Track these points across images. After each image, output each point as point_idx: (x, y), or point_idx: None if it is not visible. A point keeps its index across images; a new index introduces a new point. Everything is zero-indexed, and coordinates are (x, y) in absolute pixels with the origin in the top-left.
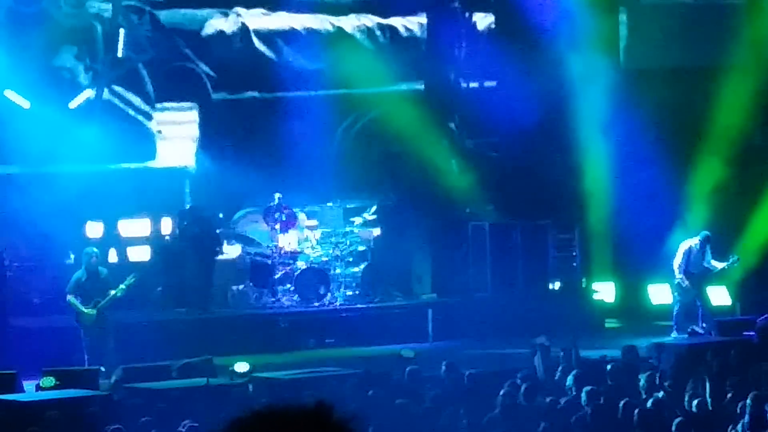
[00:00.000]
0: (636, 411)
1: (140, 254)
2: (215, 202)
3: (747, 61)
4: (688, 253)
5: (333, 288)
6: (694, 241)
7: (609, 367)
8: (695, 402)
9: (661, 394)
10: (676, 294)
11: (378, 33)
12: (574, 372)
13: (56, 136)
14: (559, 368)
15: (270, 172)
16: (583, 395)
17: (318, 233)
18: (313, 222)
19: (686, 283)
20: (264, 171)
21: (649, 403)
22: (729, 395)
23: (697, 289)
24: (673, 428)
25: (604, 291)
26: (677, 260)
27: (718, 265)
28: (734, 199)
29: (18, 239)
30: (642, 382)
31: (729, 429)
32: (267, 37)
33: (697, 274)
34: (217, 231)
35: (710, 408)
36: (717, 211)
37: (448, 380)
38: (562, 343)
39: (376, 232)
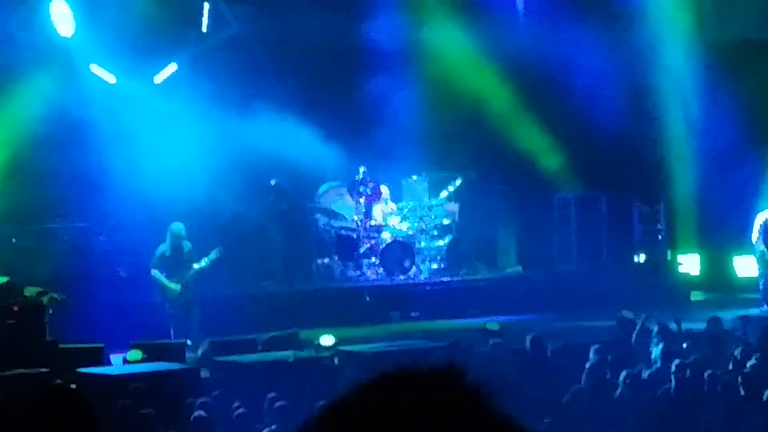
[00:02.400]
0: (721, 383)
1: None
2: (299, 177)
3: None
4: (765, 224)
5: (418, 261)
6: None
7: (690, 340)
8: None
9: (749, 366)
10: (760, 266)
11: None
12: (661, 345)
13: (142, 111)
14: (654, 341)
15: (354, 146)
16: (672, 367)
17: (403, 206)
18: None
19: None
20: (348, 145)
21: (737, 377)
22: None
23: None
24: (765, 398)
25: (690, 263)
26: (755, 233)
27: None
28: None
29: (105, 213)
30: (731, 354)
31: None
32: None
33: None
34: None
35: None
36: None
37: (532, 353)
38: (648, 316)
39: (461, 205)
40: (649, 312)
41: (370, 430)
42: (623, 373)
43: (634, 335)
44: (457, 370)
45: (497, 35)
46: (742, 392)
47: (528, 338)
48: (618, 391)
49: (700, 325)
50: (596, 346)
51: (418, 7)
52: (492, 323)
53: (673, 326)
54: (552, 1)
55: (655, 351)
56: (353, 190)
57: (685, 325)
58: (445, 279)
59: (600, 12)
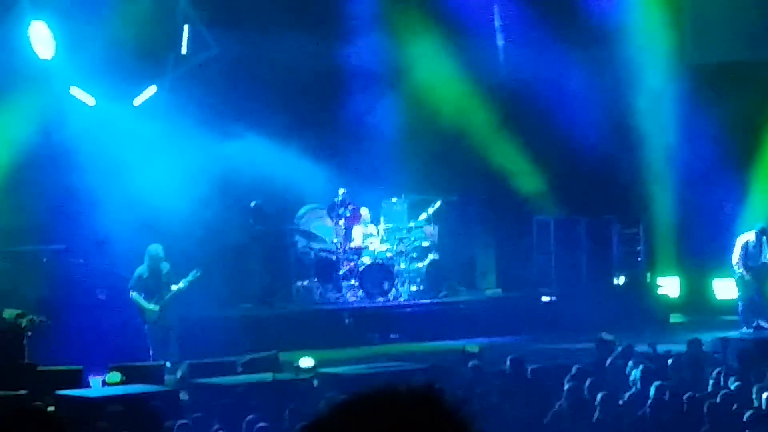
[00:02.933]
0: (706, 404)
1: None
2: (279, 198)
3: None
4: (746, 247)
5: (397, 283)
6: (750, 235)
7: (670, 361)
8: (764, 396)
9: (731, 388)
10: (739, 289)
11: None
12: (640, 366)
13: (122, 133)
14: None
15: (334, 168)
16: (651, 390)
17: (382, 229)
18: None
19: (747, 277)
20: (328, 166)
21: (717, 398)
22: None
23: (759, 283)
24: (745, 420)
25: (669, 286)
26: (735, 255)
27: None
28: None
29: (83, 236)
30: (711, 377)
31: None
32: None
33: (757, 268)
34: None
35: None
36: None
37: (512, 375)
38: (627, 339)
39: (440, 227)
40: (628, 334)
41: None
42: (599, 396)
43: (609, 359)
44: (436, 391)
45: (477, 57)
46: (722, 414)
47: (508, 360)
48: (596, 414)
49: (679, 347)
50: (575, 368)
51: (398, 29)
52: (471, 345)
53: (647, 349)
54: (532, 24)
55: (634, 373)
56: (333, 212)
57: (665, 347)
58: (424, 301)
59: (580, 35)
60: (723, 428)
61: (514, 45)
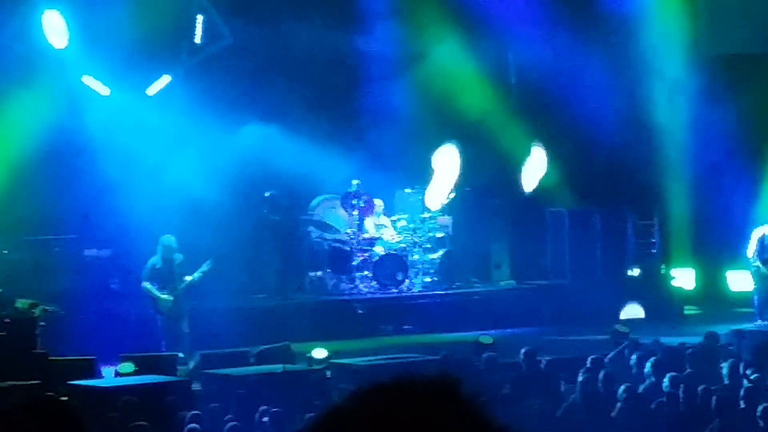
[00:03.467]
0: (714, 397)
1: None
2: (293, 189)
3: None
4: (762, 240)
5: (411, 274)
6: (766, 228)
7: (689, 352)
8: None
9: (744, 381)
10: (755, 281)
11: None
12: (652, 359)
13: (136, 123)
14: (634, 355)
15: (348, 158)
16: (666, 381)
17: (396, 219)
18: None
19: (763, 270)
20: (342, 157)
21: (730, 390)
22: None
23: None
24: (759, 414)
25: (684, 277)
26: (751, 248)
27: None
28: None
29: (98, 225)
30: (725, 370)
31: None
32: None
33: None
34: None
35: None
36: None
37: (526, 367)
38: (641, 331)
39: (454, 218)
40: (642, 326)
41: None
42: (621, 388)
43: (612, 352)
44: (452, 381)
45: (494, 48)
46: (735, 407)
47: (522, 352)
48: (618, 406)
49: (694, 339)
50: (590, 359)
51: (414, 20)
52: (485, 337)
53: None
54: (549, 16)
55: (648, 365)
56: (346, 202)
57: (679, 339)
58: (438, 292)
59: (597, 25)
60: (735, 421)
61: (532, 37)
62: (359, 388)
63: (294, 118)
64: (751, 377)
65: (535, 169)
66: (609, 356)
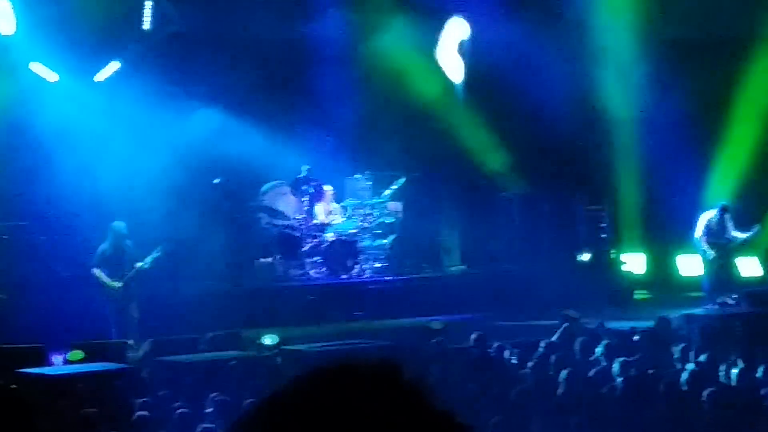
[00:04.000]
0: (665, 382)
1: None
2: (243, 175)
3: None
4: (709, 224)
5: (361, 260)
6: (712, 213)
7: (639, 337)
8: (733, 372)
9: (691, 365)
10: (704, 265)
11: None
12: (603, 342)
13: (84, 109)
14: (579, 339)
15: (298, 145)
16: (616, 366)
17: (346, 205)
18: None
19: (711, 253)
20: (292, 143)
21: (680, 375)
22: (761, 367)
23: (724, 259)
24: (704, 398)
25: (634, 262)
26: (698, 232)
27: (740, 235)
28: (766, 169)
29: (45, 212)
30: (676, 354)
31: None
32: None
33: (722, 245)
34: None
35: (742, 379)
36: (749, 180)
37: (476, 351)
38: (591, 315)
39: (404, 204)
40: (592, 311)
41: (304, 425)
42: (563, 372)
43: (555, 335)
44: (394, 366)
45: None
46: (683, 391)
47: (472, 337)
48: (560, 390)
49: (644, 324)
50: (542, 344)
51: (364, 6)
52: (436, 322)
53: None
54: (499, 1)
55: (598, 350)
56: (296, 188)
57: (629, 324)
58: (388, 278)
59: (548, 11)
60: (683, 405)
61: (481, 22)
62: (300, 375)
63: (243, 104)
64: (697, 362)
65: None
66: (553, 338)
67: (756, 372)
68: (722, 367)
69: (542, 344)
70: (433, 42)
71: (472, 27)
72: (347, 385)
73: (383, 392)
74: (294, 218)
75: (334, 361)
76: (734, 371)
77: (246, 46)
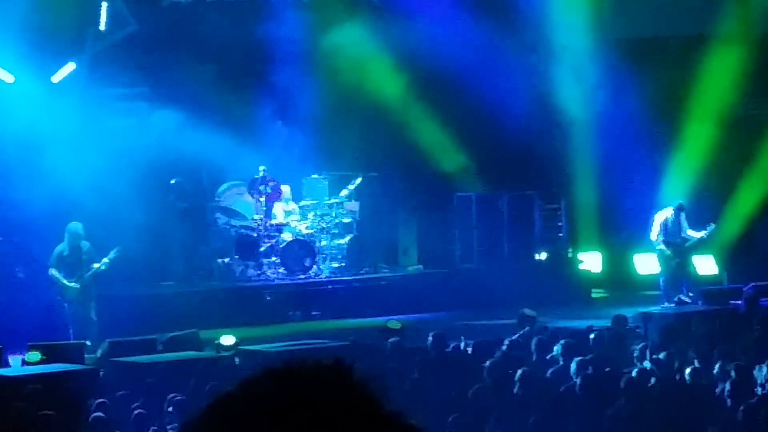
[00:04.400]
0: (622, 379)
1: None
2: (199, 175)
3: (734, 29)
4: (665, 223)
5: (319, 260)
6: (668, 211)
7: (593, 335)
8: (687, 370)
9: (647, 363)
10: (661, 264)
11: None
12: (561, 342)
13: (41, 110)
14: (536, 338)
15: (254, 145)
16: (573, 365)
17: (303, 205)
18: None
19: (668, 252)
20: (248, 143)
21: (634, 372)
22: (716, 365)
23: (680, 258)
24: (658, 393)
25: (591, 261)
26: (654, 231)
27: (696, 234)
28: (722, 168)
29: (1, 213)
30: (636, 353)
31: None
32: None
33: (678, 244)
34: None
35: (697, 377)
36: (704, 179)
37: (434, 351)
38: (549, 314)
39: (362, 204)
40: (550, 309)
41: (252, 425)
42: (519, 371)
43: (517, 335)
44: (344, 366)
45: (398, 34)
46: (639, 389)
47: (430, 336)
48: (516, 389)
49: (601, 323)
50: (498, 343)
51: (320, 6)
52: (393, 322)
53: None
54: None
55: (556, 348)
56: (253, 188)
57: (587, 323)
58: (346, 278)
59: (504, 11)
60: (639, 403)
61: (436, 22)
62: (250, 375)
63: (200, 104)
64: (653, 360)
65: None
66: (512, 339)
67: (712, 369)
68: (677, 365)
69: (499, 343)
70: (390, 41)
71: (429, 26)
72: (297, 386)
73: (333, 392)
74: (251, 218)
75: (284, 361)
76: (688, 369)
77: (202, 45)
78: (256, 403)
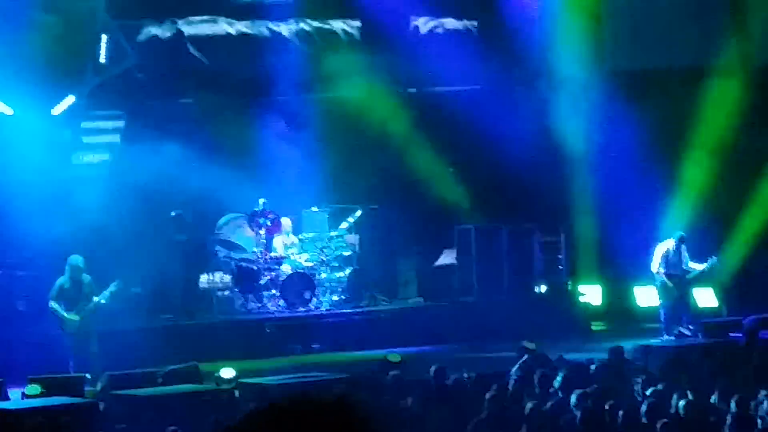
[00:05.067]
0: (621, 413)
1: None
2: (199, 208)
3: (733, 62)
4: (666, 255)
5: (319, 293)
6: (669, 243)
7: (593, 368)
8: (682, 404)
9: (648, 396)
10: (661, 296)
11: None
12: (561, 374)
13: (41, 142)
14: (537, 371)
15: (253, 178)
16: (573, 398)
17: (303, 238)
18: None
19: (669, 284)
20: (247, 177)
21: (634, 406)
22: (715, 397)
23: (680, 290)
24: (658, 428)
25: (591, 293)
26: (655, 263)
27: (697, 266)
28: (721, 200)
29: (2, 247)
30: (636, 386)
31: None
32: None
33: (679, 276)
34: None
35: (697, 410)
36: (703, 212)
37: (434, 384)
38: (549, 347)
39: (361, 237)
40: (550, 342)
41: None
42: (529, 404)
43: (514, 368)
44: (348, 402)
45: (398, 67)
46: (638, 422)
47: (432, 369)
48: (522, 426)
49: (601, 355)
50: (498, 375)
51: (318, 38)
52: (393, 355)
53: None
54: (452, 34)
55: (556, 381)
56: (253, 221)
57: (587, 356)
58: (346, 311)
59: (502, 42)
60: None
61: (435, 55)
62: (255, 408)
63: (200, 136)
64: (652, 393)
65: None
66: (512, 370)
67: (709, 400)
68: (676, 398)
69: (499, 375)
70: (390, 75)
71: (429, 59)
72: (298, 422)
73: (333, 429)
74: (251, 251)
75: (287, 396)
76: (681, 403)
77: (204, 79)
78: None
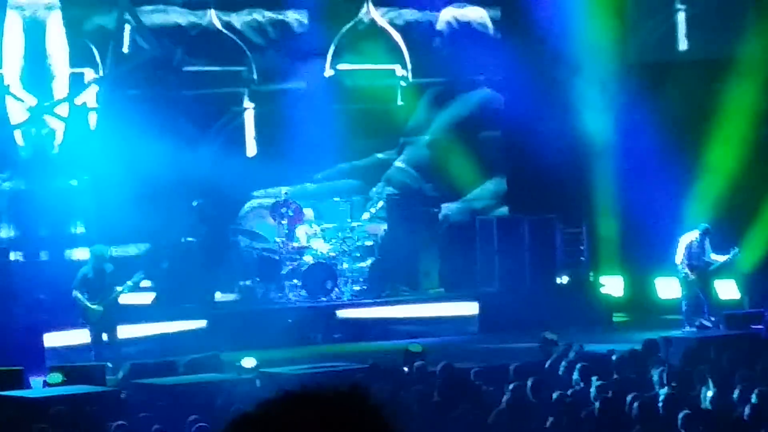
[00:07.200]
0: (637, 404)
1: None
2: (222, 198)
3: (757, 52)
4: (690, 247)
5: (340, 283)
6: (694, 235)
7: (614, 358)
8: (708, 396)
9: (666, 389)
10: (683, 288)
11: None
12: (579, 366)
13: (64, 132)
14: (563, 362)
15: (275, 167)
16: (593, 389)
17: (325, 228)
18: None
19: (691, 276)
20: (271, 166)
21: (657, 397)
22: (737, 389)
23: (702, 282)
24: (679, 422)
25: (612, 285)
26: (679, 254)
27: (719, 258)
28: (743, 192)
29: (25, 235)
30: (655, 377)
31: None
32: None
33: (701, 268)
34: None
35: (717, 402)
36: (726, 203)
37: (455, 375)
38: (569, 338)
39: (384, 226)
40: (571, 333)
41: None
42: (555, 394)
43: (549, 361)
44: (360, 391)
45: (421, 57)
46: (658, 414)
47: (450, 360)
48: (540, 413)
49: (623, 346)
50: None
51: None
52: (415, 345)
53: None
54: (476, 30)
55: (576, 372)
56: (275, 211)
57: (608, 347)
58: (367, 300)
59: (524, 34)
60: (657, 428)
61: (460, 45)
62: (269, 398)
63: (223, 127)
64: (673, 385)
65: None
66: (548, 363)
67: (732, 394)
68: (697, 390)
69: (512, 367)
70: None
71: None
72: (313, 410)
73: (348, 417)
74: (273, 241)
75: (301, 386)
76: (709, 394)
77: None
78: (272, 425)
